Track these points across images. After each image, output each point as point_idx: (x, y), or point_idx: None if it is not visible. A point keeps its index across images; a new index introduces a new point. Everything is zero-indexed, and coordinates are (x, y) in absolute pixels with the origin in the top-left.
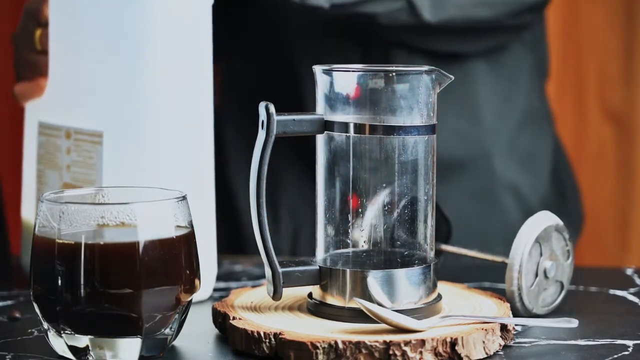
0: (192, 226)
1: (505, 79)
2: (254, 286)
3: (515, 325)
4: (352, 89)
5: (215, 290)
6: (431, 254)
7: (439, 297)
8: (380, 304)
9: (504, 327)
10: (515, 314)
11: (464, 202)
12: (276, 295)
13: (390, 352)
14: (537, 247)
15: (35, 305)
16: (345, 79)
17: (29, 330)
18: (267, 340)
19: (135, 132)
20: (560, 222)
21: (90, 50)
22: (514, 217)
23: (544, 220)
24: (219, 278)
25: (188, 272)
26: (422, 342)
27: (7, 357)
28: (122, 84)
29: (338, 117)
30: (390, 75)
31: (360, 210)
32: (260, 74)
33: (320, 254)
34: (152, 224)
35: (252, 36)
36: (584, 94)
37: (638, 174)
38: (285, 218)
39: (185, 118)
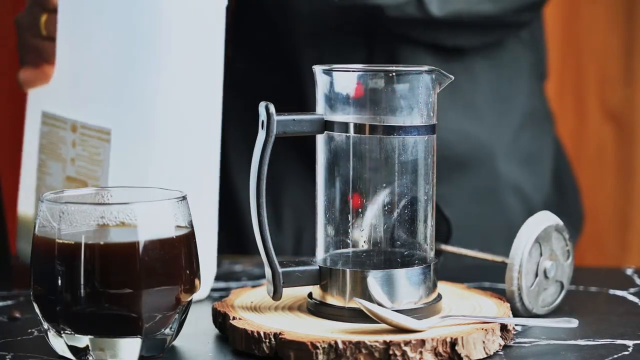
0: (192, 226)
1: (505, 79)
2: (254, 286)
3: (515, 325)
4: (353, 88)
5: (215, 290)
6: (431, 254)
7: (439, 297)
8: (380, 304)
9: (504, 327)
10: (515, 314)
11: (467, 201)
12: (276, 295)
13: (390, 352)
14: (537, 247)
15: (35, 305)
16: (345, 79)
17: (29, 330)
18: (267, 340)
19: (144, 132)
20: (560, 222)
21: (100, 46)
22: (516, 217)
23: (544, 220)
24: (219, 278)
25: (188, 272)
26: (422, 342)
27: (7, 357)
28: (133, 83)
29: (338, 117)
30: (390, 75)
31: (360, 210)
32: (262, 74)
33: (320, 254)
34: (152, 224)
35: (253, 36)
36: (584, 94)
37: (638, 174)
38: (289, 218)
39: (195, 119)
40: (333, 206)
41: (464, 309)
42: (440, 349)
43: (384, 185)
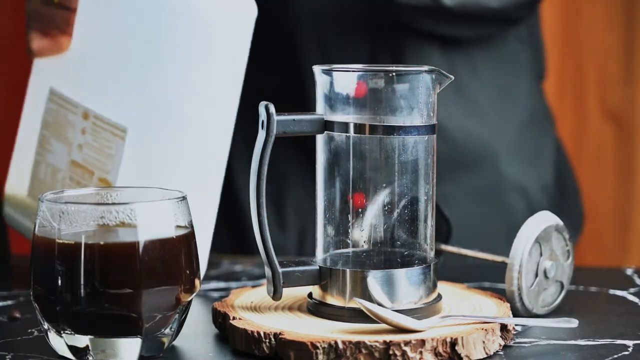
0: (192, 226)
1: (508, 78)
2: (254, 286)
3: (515, 325)
4: (355, 87)
5: (215, 290)
6: (431, 254)
7: (439, 297)
8: (380, 304)
9: (504, 327)
10: (515, 314)
11: (469, 201)
12: (276, 295)
13: (390, 352)
14: (537, 247)
15: (35, 305)
16: (345, 79)
17: (29, 330)
18: (267, 340)
19: (162, 135)
20: (560, 222)
21: (126, 43)
22: (518, 216)
23: (544, 220)
24: (219, 278)
25: (188, 272)
26: (422, 342)
27: (7, 357)
28: (156, 85)
29: (338, 117)
30: (390, 75)
31: (360, 210)
32: (263, 74)
33: (320, 254)
34: (152, 224)
35: (254, 36)
36: (584, 94)
37: (638, 174)
38: (291, 218)
39: (212, 124)
40: (333, 206)
41: (464, 309)
42: (440, 349)
43: (384, 185)
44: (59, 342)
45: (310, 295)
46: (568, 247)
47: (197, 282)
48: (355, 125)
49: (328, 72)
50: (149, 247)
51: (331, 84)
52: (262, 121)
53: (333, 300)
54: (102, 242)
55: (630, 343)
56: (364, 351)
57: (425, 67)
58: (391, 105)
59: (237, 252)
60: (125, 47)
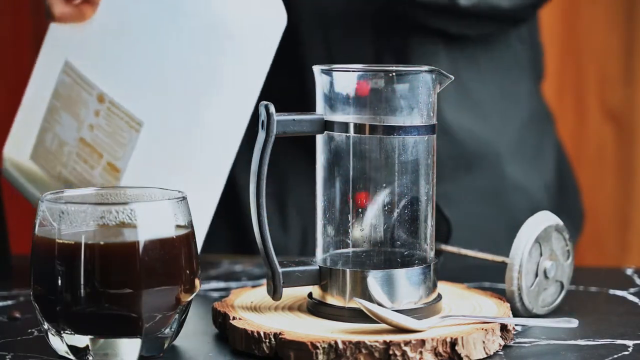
0: (192, 226)
1: (510, 78)
2: (254, 286)
3: (515, 325)
4: (359, 86)
5: (215, 290)
6: (431, 254)
7: (439, 297)
8: (380, 304)
9: (504, 327)
10: (515, 314)
11: (472, 201)
12: (276, 295)
13: (390, 352)
14: (537, 247)
15: (35, 305)
16: (345, 78)
17: (29, 330)
18: (267, 340)
19: (176, 136)
20: (560, 222)
21: (149, 40)
22: (521, 216)
23: (544, 220)
24: (219, 278)
25: (188, 272)
26: (422, 342)
27: (7, 357)
28: (176, 87)
29: (338, 117)
30: (390, 75)
31: (360, 210)
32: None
33: (320, 254)
34: (152, 224)
35: None
36: (584, 94)
37: (638, 174)
38: (294, 219)
39: (224, 131)
40: (333, 206)
41: (464, 309)
42: (440, 349)
43: (384, 185)
44: (59, 342)
45: (310, 295)
46: (568, 247)
47: (197, 282)
48: (355, 125)
49: (328, 72)
50: (149, 247)
51: (331, 84)
52: (262, 121)
53: (333, 300)
54: (102, 242)
55: (630, 343)
56: (364, 351)
57: (425, 67)
58: (391, 105)
59: (238, 252)
60: (150, 43)
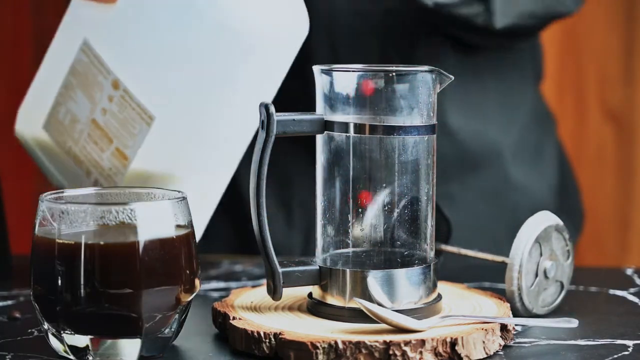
0: (192, 226)
1: (511, 79)
2: (254, 286)
3: (515, 325)
4: (363, 86)
5: (215, 290)
6: (431, 254)
7: (439, 297)
8: (380, 304)
9: (504, 327)
10: (515, 314)
11: (476, 201)
12: (276, 295)
13: (390, 352)
14: (537, 247)
15: (35, 305)
16: (345, 78)
17: (29, 330)
18: (267, 340)
19: (186, 136)
20: (560, 222)
21: (171, 37)
22: (523, 216)
23: (544, 220)
24: (219, 278)
25: (188, 272)
26: (422, 342)
27: (7, 357)
28: (192, 88)
29: (338, 117)
30: (390, 75)
31: (360, 210)
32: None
33: (320, 254)
34: (152, 224)
35: None
36: (584, 94)
37: (638, 174)
38: (299, 218)
39: (235, 135)
40: (333, 206)
41: (464, 309)
42: (440, 349)
43: (384, 185)
44: (58, 342)
45: (310, 295)
46: (568, 247)
47: (197, 282)
48: (355, 125)
49: (328, 72)
50: (149, 247)
51: (331, 84)
52: (262, 121)
53: (333, 300)
54: (102, 242)
55: (630, 343)
56: (364, 351)
57: (425, 67)
58: (391, 105)
59: (241, 253)
60: (170, 41)
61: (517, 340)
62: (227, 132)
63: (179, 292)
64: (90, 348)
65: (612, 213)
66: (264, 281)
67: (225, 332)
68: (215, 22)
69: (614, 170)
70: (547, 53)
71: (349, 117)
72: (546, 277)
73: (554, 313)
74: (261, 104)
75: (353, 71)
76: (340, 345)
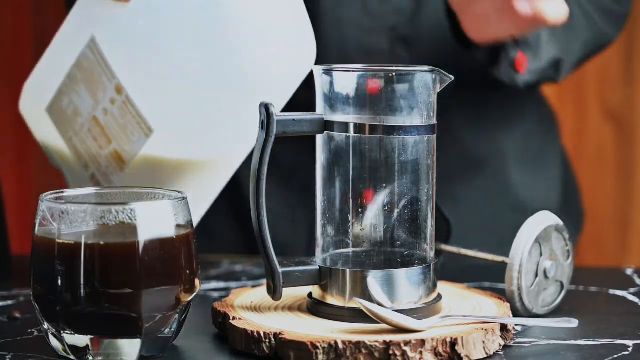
0: (192, 226)
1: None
2: (254, 286)
3: (515, 325)
4: (369, 85)
5: (215, 290)
6: (431, 254)
7: (439, 297)
8: (380, 304)
9: (504, 327)
10: (515, 314)
11: (480, 201)
12: (276, 295)
13: (390, 352)
14: (537, 247)
15: (35, 305)
16: (345, 78)
17: (29, 330)
18: (267, 340)
19: (181, 152)
20: (560, 222)
21: (176, 56)
22: (526, 217)
23: (544, 220)
24: (219, 278)
25: (188, 272)
26: (422, 342)
27: (7, 357)
28: (193, 107)
29: (338, 117)
30: (390, 75)
31: (360, 210)
32: None
33: (320, 253)
34: (152, 223)
35: None
36: (584, 94)
37: (638, 174)
38: (303, 218)
39: (231, 156)
40: (333, 206)
41: (464, 309)
42: (440, 349)
43: (384, 185)
44: (58, 342)
45: (310, 295)
46: (568, 247)
47: (197, 282)
48: (355, 125)
49: (328, 72)
50: (149, 247)
51: (331, 84)
52: (262, 121)
53: (333, 300)
54: (102, 242)
55: (630, 343)
56: (364, 351)
57: (426, 67)
58: (391, 105)
59: (246, 253)
60: (177, 57)
61: (517, 340)
62: (224, 149)
63: (179, 292)
64: (90, 348)
65: (612, 213)
66: (264, 281)
67: (225, 332)
68: (224, 54)
69: (614, 170)
70: None
71: (349, 117)
72: (546, 277)
73: (554, 313)
74: (261, 104)
75: (353, 71)
76: (340, 345)
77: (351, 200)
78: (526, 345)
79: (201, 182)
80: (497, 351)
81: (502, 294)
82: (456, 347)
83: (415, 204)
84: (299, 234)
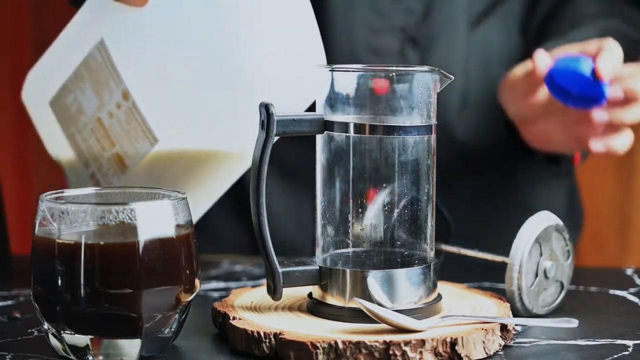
0: (192, 226)
1: None
2: (254, 286)
3: (515, 325)
4: (376, 85)
5: (215, 290)
6: (431, 254)
7: (439, 297)
8: (380, 304)
9: (504, 327)
10: (515, 314)
11: (484, 201)
12: (276, 295)
13: (390, 352)
14: (537, 247)
15: (35, 305)
16: (345, 78)
17: (29, 330)
18: (267, 340)
19: (183, 161)
20: (560, 222)
21: (186, 69)
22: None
23: (544, 220)
24: (219, 278)
25: (188, 272)
26: (422, 342)
27: (7, 357)
28: (202, 118)
29: (338, 117)
30: (390, 75)
31: (360, 210)
32: None
33: (320, 253)
34: (152, 223)
35: None
36: None
37: (638, 174)
38: (309, 218)
39: (235, 163)
40: (333, 206)
41: (464, 309)
42: (440, 349)
43: (384, 185)
44: (58, 342)
45: (310, 295)
46: (568, 247)
47: (197, 282)
48: (355, 125)
49: (328, 72)
50: (149, 247)
51: (331, 84)
52: (262, 121)
53: (333, 300)
54: (102, 242)
55: (630, 343)
56: (364, 351)
57: (426, 67)
58: (391, 105)
59: (250, 253)
60: (190, 74)
61: (517, 340)
62: (229, 163)
63: (179, 292)
64: (90, 348)
65: (612, 213)
66: (264, 281)
67: (225, 332)
68: (233, 71)
69: (614, 170)
70: None
71: (349, 117)
72: (546, 277)
73: (554, 313)
74: (261, 104)
75: (353, 71)
76: (340, 345)
77: (351, 200)
78: (526, 345)
79: (205, 183)
80: (497, 351)
81: (502, 294)
82: (456, 347)
83: (415, 204)
84: (305, 234)
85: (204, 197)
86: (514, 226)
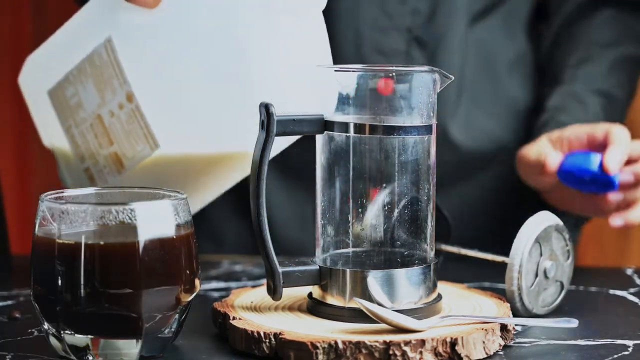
0: (192, 226)
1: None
2: (254, 286)
3: (515, 325)
4: (380, 86)
5: (215, 290)
6: (431, 254)
7: (439, 297)
8: (380, 304)
9: (504, 327)
10: (515, 314)
11: (486, 201)
12: (276, 295)
13: (390, 352)
14: (537, 247)
15: (35, 305)
16: (345, 79)
17: (29, 330)
18: (267, 340)
19: (184, 168)
20: (560, 222)
21: (193, 77)
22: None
23: (544, 220)
24: (219, 278)
25: (188, 272)
26: (422, 342)
27: (7, 357)
28: (205, 127)
29: (338, 117)
30: (391, 75)
31: (360, 210)
32: None
33: (320, 253)
34: (152, 223)
35: None
36: None
37: None
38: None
39: (235, 173)
40: (333, 206)
41: (464, 309)
42: (440, 349)
43: (384, 185)
44: (58, 342)
45: (310, 295)
46: (568, 247)
47: (197, 282)
48: (355, 125)
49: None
50: (149, 247)
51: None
52: (262, 121)
53: (333, 300)
54: (102, 242)
55: (630, 343)
56: (364, 351)
57: (425, 67)
58: (391, 105)
59: (250, 253)
60: (197, 83)
61: (517, 340)
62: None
63: (179, 292)
64: (90, 348)
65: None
66: (264, 281)
67: (225, 332)
68: (240, 83)
69: None
70: None
71: (349, 117)
72: (546, 277)
73: (554, 313)
74: (261, 104)
75: (353, 71)
76: (340, 345)
77: (351, 200)
78: (526, 345)
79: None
80: (497, 351)
81: (502, 294)
82: (456, 347)
83: (415, 204)
84: (309, 233)
85: (205, 197)
86: (514, 226)
